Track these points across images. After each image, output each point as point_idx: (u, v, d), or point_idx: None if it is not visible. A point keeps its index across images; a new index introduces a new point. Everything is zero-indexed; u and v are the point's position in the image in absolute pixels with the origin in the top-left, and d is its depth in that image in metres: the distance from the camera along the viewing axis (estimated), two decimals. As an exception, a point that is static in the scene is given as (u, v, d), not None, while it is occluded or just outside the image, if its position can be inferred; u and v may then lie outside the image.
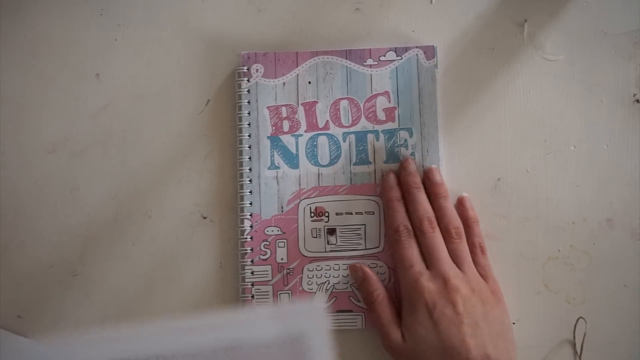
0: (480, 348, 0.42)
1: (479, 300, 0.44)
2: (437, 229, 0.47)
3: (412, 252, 0.46)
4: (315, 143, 0.50)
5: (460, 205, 0.48)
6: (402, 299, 0.46)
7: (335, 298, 0.48)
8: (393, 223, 0.47)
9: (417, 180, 0.48)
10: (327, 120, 0.50)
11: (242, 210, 0.49)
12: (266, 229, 0.49)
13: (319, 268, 0.49)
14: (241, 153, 0.50)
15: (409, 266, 0.45)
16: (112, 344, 0.31)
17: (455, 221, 0.47)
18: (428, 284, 0.44)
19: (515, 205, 0.49)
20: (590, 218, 0.49)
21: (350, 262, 0.49)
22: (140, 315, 0.49)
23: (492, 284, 0.46)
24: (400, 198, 0.48)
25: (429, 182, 0.48)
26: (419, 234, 0.47)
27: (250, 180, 0.49)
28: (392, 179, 0.48)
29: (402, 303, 0.46)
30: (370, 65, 0.50)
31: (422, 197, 0.47)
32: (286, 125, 0.50)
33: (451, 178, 0.49)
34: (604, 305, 0.48)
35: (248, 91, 0.50)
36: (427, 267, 0.46)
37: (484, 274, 0.47)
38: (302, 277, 0.49)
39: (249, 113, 0.50)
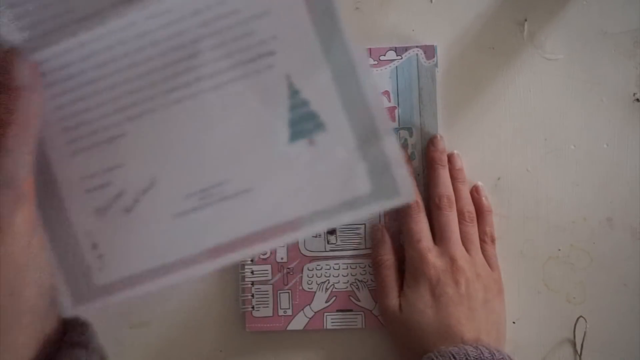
0: (475, 332, 0.43)
1: (482, 287, 0.45)
2: (454, 209, 0.47)
3: (422, 226, 0.46)
4: (315, 142, 0.50)
5: (475, 192, 0.49)
6: (405, 272, 0.47)
7: (335, 297, 0.48)
8: None
9: (444, 158, 0.48)
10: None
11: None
12: (266, 229, 0.49)
13: (319, 267, 0.49)
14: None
15: (417, 240, 0.46)
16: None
17: (470, 206, 0.48)
18: (435, 260, 0.45)
19: (516, 205, 0.49)
20: (590, 217, 0.49)
21: (350, 261, 0.49)
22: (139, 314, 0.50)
23: (496, 274, 0.47)
24: (412, 173, 0.48)
25: (449, 165, 0.48)
26: (434, 210, 0.47)
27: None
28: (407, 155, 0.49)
29: (405, 275, 0.47)
30: (370, 64, 0.50)
31: (445, 175, 0.48)
32: (286, 125, 0.50)
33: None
34: (604, 305, 0.48)
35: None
36: (436, 244, 0.46)
37: (490, 263, 0.47)
38: (302, 276, 0.49)
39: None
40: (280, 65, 0.30)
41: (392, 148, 0.31)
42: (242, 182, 0.31)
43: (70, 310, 0.32)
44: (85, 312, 0.32)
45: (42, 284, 0.30)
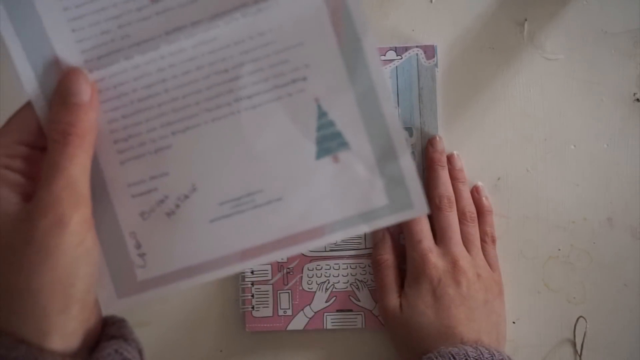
0: (475, 333, 0.43)
1: (483, 287, 0.45)
2: (455, 210, 0.47)
3: (423, 226, 0.47)
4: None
5: (475, 192, 0.49)
6: (406, 272, 0.47)
7: (335, 297, 0.48)
8: None
9: (443, 158, 0.48)
10: (327, 120, 0.50)
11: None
12: (266, 229, 0.49)
13: (319, 267, 0.49)
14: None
15: (418, 241, 0.46)
16: None
17: (471, 206, 0.48)
18: (436, 260, 0.45)
19: (516, 205, 0.49)
20: (590, 217, 0.49)
21: (350, 261, 0.49)
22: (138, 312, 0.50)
23: (497, 275, 0.47)
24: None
25: (449, 166, 0.48)
26: (435, 211, 0.47)
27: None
28: None
29: (406, 275, 0.47)
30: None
31: (445, 176, 0.48)
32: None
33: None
34: (604, 305, 0.48)
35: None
36: (437, 244, 0.46)
37: (491, 264, 0.47)
38: (302, 276, 0.49)
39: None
40: (311, 90, 0.34)
41: (407, 165, 0.34)
42: (273, 192, 0.34)
43: (114, 302, 0.35)
44: (127, 305, 0.35)
45: (92, 279, 0.32)
